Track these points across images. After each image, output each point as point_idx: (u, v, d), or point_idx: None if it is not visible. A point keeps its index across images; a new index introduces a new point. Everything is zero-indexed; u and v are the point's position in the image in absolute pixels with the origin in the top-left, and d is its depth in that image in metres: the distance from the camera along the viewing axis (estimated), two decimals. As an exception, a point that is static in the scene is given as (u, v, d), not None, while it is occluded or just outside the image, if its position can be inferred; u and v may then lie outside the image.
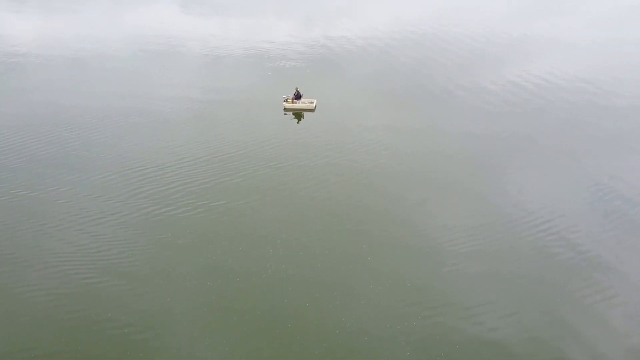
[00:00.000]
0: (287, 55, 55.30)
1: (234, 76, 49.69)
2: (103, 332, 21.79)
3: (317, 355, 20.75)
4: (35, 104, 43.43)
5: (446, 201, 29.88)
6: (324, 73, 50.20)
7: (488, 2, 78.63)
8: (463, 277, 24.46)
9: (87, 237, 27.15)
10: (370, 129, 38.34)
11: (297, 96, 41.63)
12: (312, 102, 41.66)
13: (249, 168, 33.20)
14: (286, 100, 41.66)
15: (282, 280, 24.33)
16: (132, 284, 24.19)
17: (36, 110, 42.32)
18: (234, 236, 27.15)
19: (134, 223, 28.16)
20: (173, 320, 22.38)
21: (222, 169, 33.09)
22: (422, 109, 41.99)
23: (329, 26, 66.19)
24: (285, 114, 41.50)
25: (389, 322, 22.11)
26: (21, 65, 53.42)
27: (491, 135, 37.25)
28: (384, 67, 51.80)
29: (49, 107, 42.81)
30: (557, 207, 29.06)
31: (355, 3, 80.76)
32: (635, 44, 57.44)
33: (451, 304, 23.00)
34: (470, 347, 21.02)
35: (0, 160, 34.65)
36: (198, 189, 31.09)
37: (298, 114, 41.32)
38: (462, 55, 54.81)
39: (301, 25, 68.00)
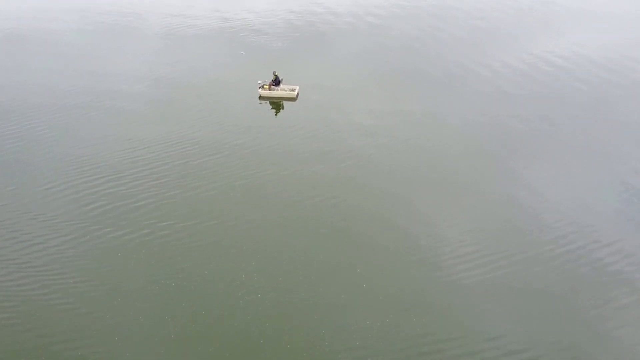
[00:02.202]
0: (263, 30, 52.74)
1: (201, 56, 47.05)
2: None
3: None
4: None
5: (453, 204, 27.89)
6: (306, 52, 47.82)
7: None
8: (479, 297, 22.41)
9: (9, 266, 24.41)
10: (362, 120, 36.09)
11: (276, 82, 39.09)
12: (293, 90, 39.16)
13: (218, 174, 30.43)
14: (262, 87, 39.11)
15: (257, 315, 21.91)
16: (68, 333, 21.42)
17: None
18: (197, 258, 24.66)
19: (73, 246, 25.49)
20: (120, 370, 19.99)
21: (185, 177, 30.37)
22: (421, 94, 39.80)
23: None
24: (261, 103, 38.98)
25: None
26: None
27: (503, 125, 35.27)
28: (376, 44, 49.45)
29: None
30: (584, 212, 27.17)
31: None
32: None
33: (460, 327, 20.89)
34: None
35: None
36: (154, 201, 28.41)
37: (277, 104, 38.83)
38: (467, 29, 52.69)
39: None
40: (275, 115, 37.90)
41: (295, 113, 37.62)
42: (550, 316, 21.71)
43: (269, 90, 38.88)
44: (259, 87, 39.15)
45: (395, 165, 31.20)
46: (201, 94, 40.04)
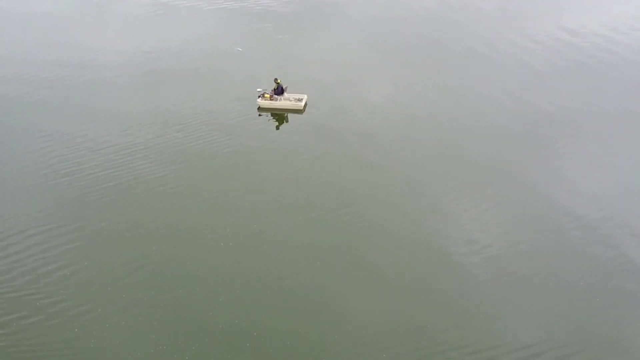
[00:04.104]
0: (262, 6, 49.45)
1: (191, 45, 43.13)
2: None
3: None
4: None
5: (474, 190, 26.50)
6: (312, 26, 45.46)
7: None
8: (499, 291, 21.27)
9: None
10: (374, 109, 33.76)
11: (279, 90, 34.20)
12: (300, 100, 34.27)
13: (204, 221, 25.79)
14: (262, 96, 34.25)
15: None
16: None
17: None
18: (173, 333, 20.09)
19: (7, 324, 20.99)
20: None
21: (159, 219, 25.79)
22: (443, 73, 38.05)
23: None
24: (260, 114, 34.17)
25: None
26: None
27: (531, 106, 33.51)
28: (391, 17, 47.06)
29: None
30: (619, 204, 25.38)
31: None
32: None
33: (478, 323, 19.97)
34: None
35: None
36: (117, 265, 23.80)
37: (280, 116, 34.01)
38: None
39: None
40: (276, 129, 33.12)
41: (302, 129, 32.65)
42: (577, 315, 20.54)
43: (271, 100, 34.00)
44: (258, 97, 34.30)
45: (412, 149, 29.93)
46: (187, 101, 35.39)
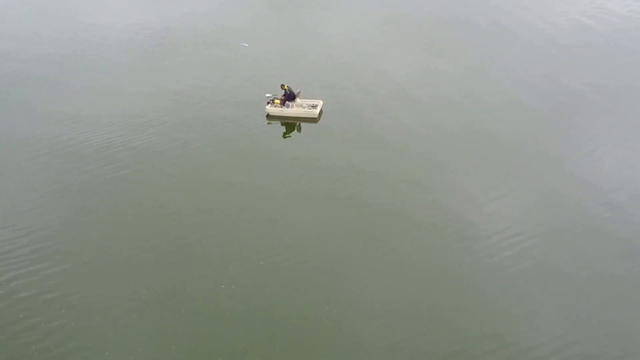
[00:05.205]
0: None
1: (200, 22, 42.06)
2: None
3: None
4: None
5: (506, 172, 25.12)
6: (327, 11, 43.86)
7: None
8: (524, 278, 19.72)
9: None
10: (396, 89, 32.55)
11: (289, 96, 30.25)
12: (314, 106, 30.33)
13: (208, 245, 22.23)
14: (272, 102, 30.36)
15: None
16: None
17: None
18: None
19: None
20: None
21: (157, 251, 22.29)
22: (467, 49, 36.94)
23: None
24: (269, 123, 30.36)
25: None
26: None
27: (563, 84, 32.18)
28: None
29: None
30: None
31: None
32: None
33: (502, 315, 18.58)
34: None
35: None
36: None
37: (290, 125, 30.13)
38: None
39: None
40: (284, 138, 29.37)
41: (317, 141, 28.79)
42: (610, 304, 18.82)
43: (281, 107, 30.10)
44: (267, 103, 30.42)
45: (436, 129, 28.73)
46: (181, 108, 31.79)
